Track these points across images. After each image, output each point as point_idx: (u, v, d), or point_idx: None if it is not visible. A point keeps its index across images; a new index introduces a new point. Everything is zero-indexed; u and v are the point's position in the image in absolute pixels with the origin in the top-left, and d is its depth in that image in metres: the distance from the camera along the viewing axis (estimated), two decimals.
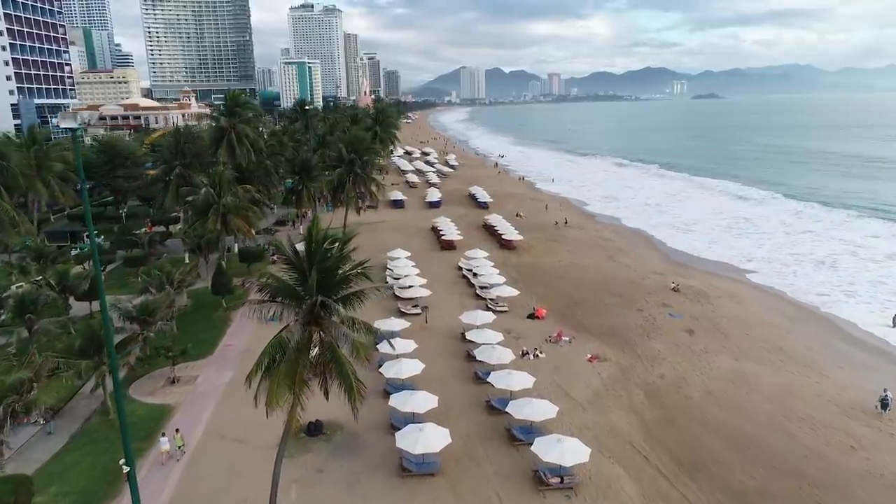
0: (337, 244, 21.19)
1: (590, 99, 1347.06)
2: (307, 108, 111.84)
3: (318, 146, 79.64)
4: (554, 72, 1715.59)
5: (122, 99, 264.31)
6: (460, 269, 58.47)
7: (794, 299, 55.05)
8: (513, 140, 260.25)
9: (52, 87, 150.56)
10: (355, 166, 54.00)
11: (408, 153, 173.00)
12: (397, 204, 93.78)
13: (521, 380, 31.65)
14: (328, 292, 20.35)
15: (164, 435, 29.67)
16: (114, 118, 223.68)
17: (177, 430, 29.64)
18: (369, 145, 55.46)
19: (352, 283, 21.41)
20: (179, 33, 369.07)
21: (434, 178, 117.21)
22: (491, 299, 48.53)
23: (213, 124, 60.83)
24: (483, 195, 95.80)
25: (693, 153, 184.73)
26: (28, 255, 49.12)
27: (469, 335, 38.57)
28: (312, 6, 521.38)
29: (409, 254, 58.84)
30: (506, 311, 47.04)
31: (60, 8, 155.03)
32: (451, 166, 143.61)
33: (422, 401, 29.45)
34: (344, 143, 54.34)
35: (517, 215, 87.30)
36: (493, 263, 56.12)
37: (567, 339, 41.94)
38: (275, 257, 64.07)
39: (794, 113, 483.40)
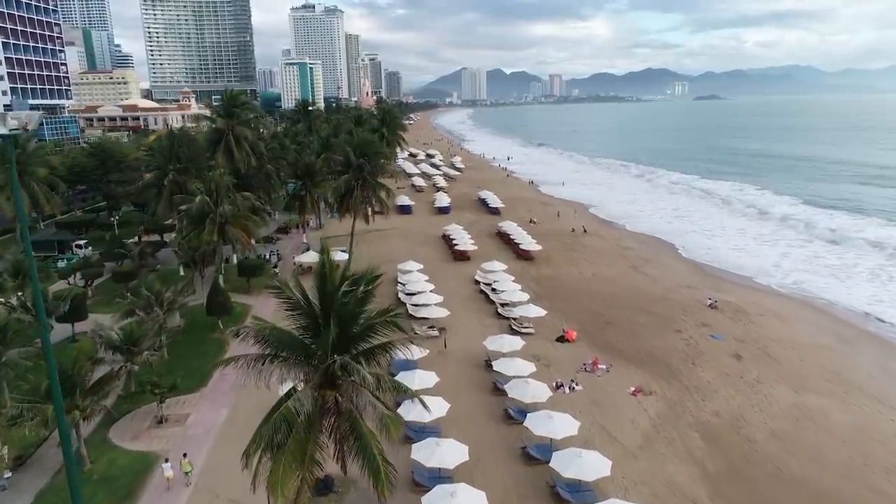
0: (358, 286, 16.57)
1: (591, 100, 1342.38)
2: (310, 108, 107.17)
3: (323, 149, 75.32)
4: (555, 73, 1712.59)
5: (122, 100, 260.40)
6: (477, 282, 54.01)
7: (841, 316, 50.62)
8: (517, 142, 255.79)
9: (48, 87, 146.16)
10: (364, 171, 49.53)
11: (412, 155, 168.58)
12: (405, 209, 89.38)
13: (563, 425, 27.18)
14: (347, 346, 15.81)
15: (167, 461, 26.24)
16: (112, 119, 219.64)
17: (184, 455, 26.31)
18: (378, 148, 51.03)
19: (377, 332, 16.80)
20: (179, 34, 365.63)
21: (441, 182, 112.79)
22: (514, 319, 44.09)
23: (211, 126, 56.20)
24: (494, 200, 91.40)
25: (704, 156, 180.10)
26: (5, 269, 44.63)
27: (496, 365, 34.08)
28: (314, 7, 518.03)
29: (421, 266, 54.39)
30: (532, 334, 42.58)
31: (56, 7, 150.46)
32: (458, 169, 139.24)
33: (450, 453, 25.01)
34: (351, 147, 49.95)
35: (530, 221, 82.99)
36: (512, 277, 51.67)
37: (604, 367, 37.48)
38: (276, 268, 59.96)
39: (800, 115, 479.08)
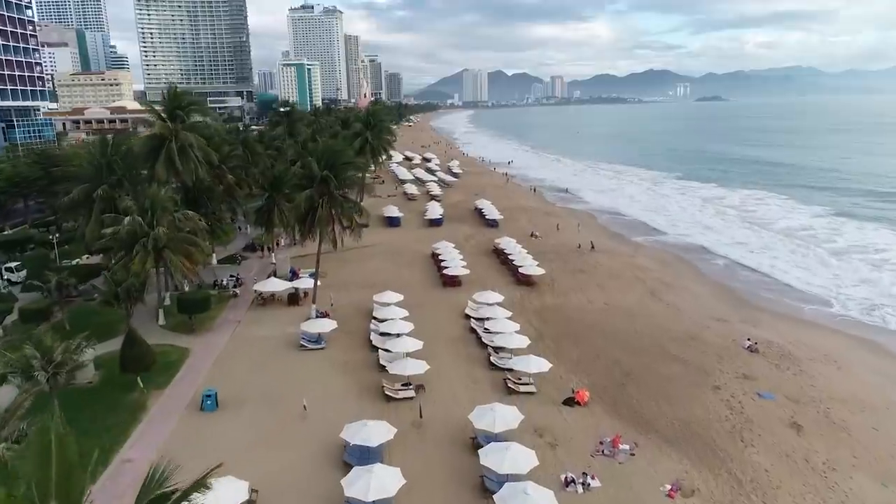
0: None
1: (592, 101, 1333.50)
2: (288, 108, 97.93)
3: (299, 156, 66.67)
4: (556, 74, 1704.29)
5: (113, 101, 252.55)
6: (468, 317, 45.20)
7: None
8: (518, 145, 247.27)
9: (21, 88, 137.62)
10: (330, 186, 40.80)
11: (408, 159, 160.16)
12: (392, 222, 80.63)
13: None
14: None
15: None
16: (100, 121, 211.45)
17: None
18: (348, 158, 42.27)
19: None
20: (174, 34, 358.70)
21: (435, 190, 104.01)
22: (510, 370, 35.29)
23: (150, 131, 47.15)
24: (492, 211, 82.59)
25: (715, 160, 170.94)
26: None
27: (485, 456, 25.19)
28: (312, 7, 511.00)
29: (400, 298, 45.61)
30: (533, 393, 33.79)
31: (30, 4, 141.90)
32: (455, 174, 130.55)
33: None
34: (315, 156, 41.28)
35: (532, 235, 74.38)
36: (509, 313, 42.79)
37: (627, 447, 28.62)
38: (237, 290, 51.27)
39: (811, 117, 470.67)
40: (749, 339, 41.72)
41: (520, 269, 54.42)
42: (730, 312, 50.28)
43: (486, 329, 40.57)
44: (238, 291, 51.67)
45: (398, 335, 38.18)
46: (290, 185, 43.43)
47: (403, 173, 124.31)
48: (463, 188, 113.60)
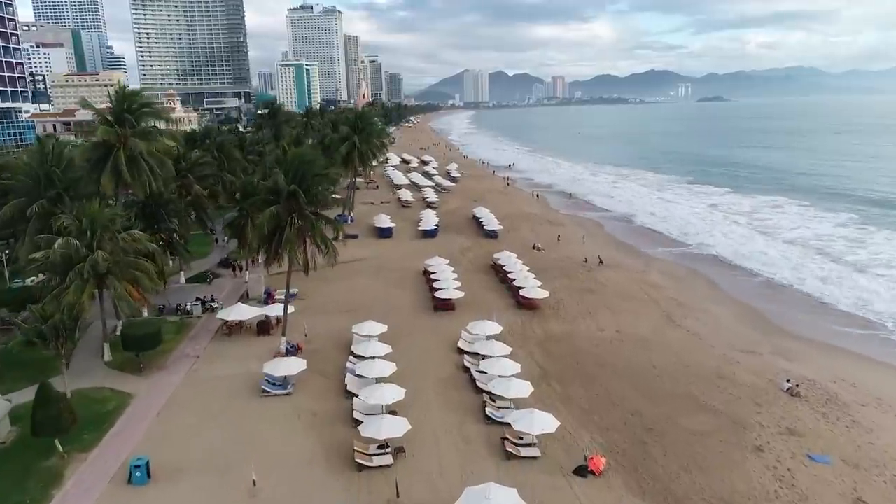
0: None
1: (594, 102, 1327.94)
2: (270, 109, 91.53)
3: (279, 162, 60.64)
4: (557, 75, 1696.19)
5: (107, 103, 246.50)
6: (461, 351, 39.24)
7: None
8: (519, 146, 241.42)
9: (1, 89, 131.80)
10: (299, 202, 34.89)
11: (405, 161, 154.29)
12: (384, 233, 74.63)
13: None
14: None
15: None
16: (91, 123, 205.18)
17: None
18: (321, 170, 36.29)
19: None
20: (170, 34, 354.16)
21: (431, 196, 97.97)
22: (508, 425, 29.21)
23: (93, 138, 40.82)
24: (491, 220, 76.57)
25: (722, 162, 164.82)
26: None
27: None
28: (311, 7, 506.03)
29: (384, 328, 39.63)
30: (536, 458, 27.79)
31: (11, 1, 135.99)
32: (453, 178, 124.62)
33: None
34: (283, 167, 35.38)
35: (534, 247, 68.48)
36: (508, 350, 36.70)
37: None
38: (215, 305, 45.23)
39: (813, 117, 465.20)
40: (789, 381, 35.72)
41: (521, 292, 48.38)
42: (758, 341, 44.28)
43: (480, 370, 34.56)
44: (202, 317, 45.76)
45: (377, 380, 32.21)
46: (256, 201, 37.24)
47: (399, 178, 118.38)
48: (461, 193, 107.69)
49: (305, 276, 37.67)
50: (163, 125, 49.71)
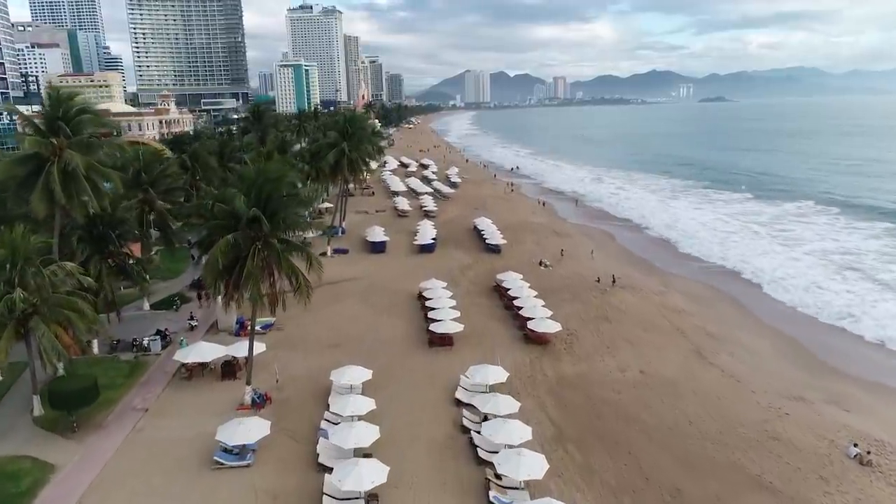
0: None
1: (595, 102, 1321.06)
2: (254, 110, 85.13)
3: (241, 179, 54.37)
4: (559, 75, 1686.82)
5: (103, 104, 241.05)
6: (459, 403, 32.99)
7: None
8: (521, 147, 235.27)
9: None
10: (263, 229, 28.75)
11: (403, 165, 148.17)
12: (377, 247, 68.37)
13: None
14: None
15: None
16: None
17: None
18: (290, 189, 30.13)
19: None
20: (167, 35, 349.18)
21: (430, 205, 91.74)
22: None
23: (26, 149, 34.32)
24: (493, 233, 70.25)
25: (731, 166, 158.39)
26: None
27: None
28: (311, 8, 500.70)
29: (368, 376, 33.41)
30: None
31: None
32: (453, 183, 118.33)
33: None
34: (243, 187, 29.16)
35: (541, 264, 62.25)
36: (517, 406, 30.42)
37: None
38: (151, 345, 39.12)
39: (817, 118, 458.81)
40: (856, 444, 29.47)
41: (529, 324, 42.08)
42: (806, 383, 38.07)
43: (482, 434, 28.31)
44: (161, 354, 39.63)
45: (355, 452, 26.05)
46: (210, 227, 30.91)
47: (396, 184, 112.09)
48: (462, 200, 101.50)
49: (272, 315, 31.42)
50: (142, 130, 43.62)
